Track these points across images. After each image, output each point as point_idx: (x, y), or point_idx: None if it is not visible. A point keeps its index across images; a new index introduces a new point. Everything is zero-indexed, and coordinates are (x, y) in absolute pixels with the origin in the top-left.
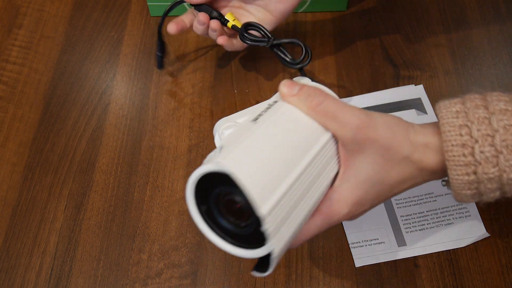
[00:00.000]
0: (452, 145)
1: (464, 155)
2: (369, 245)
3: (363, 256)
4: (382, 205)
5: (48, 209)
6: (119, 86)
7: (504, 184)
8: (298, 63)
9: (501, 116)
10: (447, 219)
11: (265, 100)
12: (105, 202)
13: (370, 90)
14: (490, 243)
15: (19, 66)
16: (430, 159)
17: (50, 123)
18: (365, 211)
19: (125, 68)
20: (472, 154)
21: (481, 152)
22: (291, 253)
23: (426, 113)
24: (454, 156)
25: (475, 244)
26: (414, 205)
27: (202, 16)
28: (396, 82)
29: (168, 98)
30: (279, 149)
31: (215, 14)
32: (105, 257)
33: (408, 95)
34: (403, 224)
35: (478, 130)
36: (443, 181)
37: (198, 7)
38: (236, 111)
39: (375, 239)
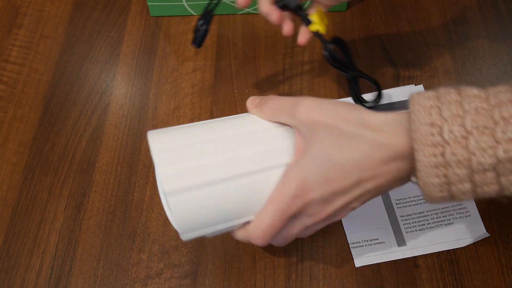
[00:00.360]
0: (421, 123)
1: (432, 134)
2: (369, 245)
3: (363, 256)
4: (382, 205)
5: (48, 209)
6: (119, 86)
7: (474, 170)
8: (370, 102)
9: (473, 99)
10: (447, 219)
11: None
12: (105, 202)
13: (370, 90)
14: (490, 243)
15: (19, 66)
16: (393, 137)
17: (50, 123)
18: (321, 196)
19: (125, 68)
20: (441, 134)
21: (450, 131)
22: (291, 253)
23: None
24: (422, 135)
25: (475, 244)
26: (414, 205)
27: (275, 16)
28: (396, 82)
29: (168, 98)
30: (205, 131)
31: (296, 8)
32: (105, 257)
33: (408, 95)
34: (403, 224)
35: (449, 110)
36: (413, 178)
37: None
38: (236, 111)
39: (375, 239)
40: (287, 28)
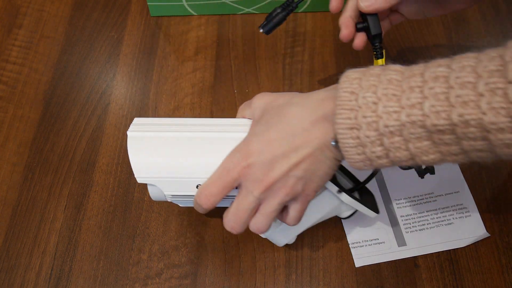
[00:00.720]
0: (343, 91)
1: (349, 100)
2: (369, 245)
3: (363, 256)
4: (382, 205)
5: (48, 209)
6: (119, 86)
7: (382, 133)
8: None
9: (390, 72)
10: (447, 219)
11: None
12: (105, 202)
13: None
14: (490, 243)
15: (19, 66)
16: (320, 102)
17: (50, 123)
18: (261, 160)
19: (125, 68)
20: (356, 100)
21: (363, 97)
22: (291, 253)
23: None
24: (342, 100)
25: (475, 244)
26: (414, 205)
27: (359, 41)
28: None
29: (168, 98)
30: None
31: (375, 37)
32: (105, 257)
33: None
34: (403, 224)
35: (367, 81)
36: (333, 142)
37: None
38: (236, 111)
39: (375, 239)
40: (359, 41)
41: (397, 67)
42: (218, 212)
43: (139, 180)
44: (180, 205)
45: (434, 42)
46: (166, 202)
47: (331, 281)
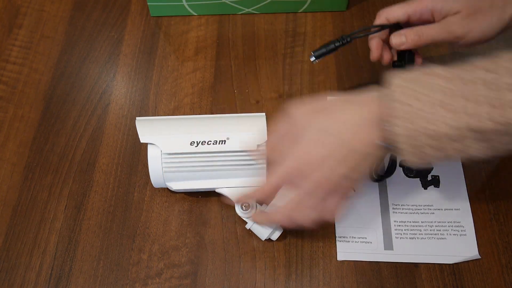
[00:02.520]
0: (397, 100)
1: (405, 109)
2: (355, 242)
3: (347, 251)
4: (378, 207)
5: (48, 209)
6: (119, 86)
7: (442, 142)
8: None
9: (440, 80)
10: (440, 234)
11: (265, 99)
12: (105, 202)
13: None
14: (490, 243)
15: (19, 66)
16: (371, 108)
17: (50, 123)
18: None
19: (125, 68)
20: (412, 109)
21: (419, 108)
22: (291, 253)
23: None
24: (396, 110)
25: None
26: (411, 213)
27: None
28: None
29: (168, 98)
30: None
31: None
32: (105, 257)
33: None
34: (395, 229)
35: (420, 90)
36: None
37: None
38: (236, 111)
39: (363, 238)
40: (387, 57)
41: (445, 72)
42: (218, 212)
43: (142, 140)
44: (173, 188)
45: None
46: (166, 202)
47: (331, 281)
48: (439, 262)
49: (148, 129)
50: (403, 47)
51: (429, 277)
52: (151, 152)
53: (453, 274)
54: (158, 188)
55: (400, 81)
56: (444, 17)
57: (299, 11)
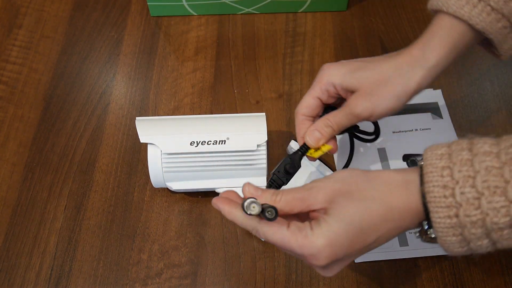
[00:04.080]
0: (434, 186)
1: (445, 196)
2: None
3: None
4: None
5: (48, 209)
6: (119, 86)
7: (489, 229)
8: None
9: (484, 157)
10: None
11: (265, 99)
12: (105, 202)
13: None
14: None
15: (19, 66)
16: (405, 198)
17: (50, 123)
18: (344, 255)
19: (125, 68)
20: (453, 196)
21: (462, 193)
22: None
23: (441, 117)
24: (435, 197)
25: None
26: None
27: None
28: None
29: (168, 98)
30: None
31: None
32: (105, 257)
33: (425, 98)
34: None
35: (459, 171)
36: (416, 232)
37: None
38: (236, 111)
39: None
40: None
41: (487, 147)
42: (218, 212)
43: (142, 140)
44: (173, 188)
45: None
46: (166, 202)
47: (331, 281)
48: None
49: (148, 129)
50: (321, 142)
51: (429, 277)
52: (151, 152)
53: (453, 274)
54: (158, 188)
55: (434, 160)
56: (348, 92)
57: (299, 11)
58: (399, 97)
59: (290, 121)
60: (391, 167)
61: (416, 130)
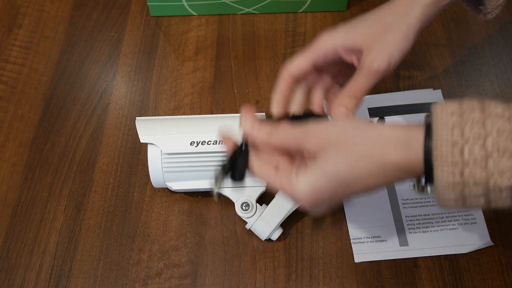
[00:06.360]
0: (442, 142)
1: (453, 153)
2: (370, 242)
3: (363, 252)
4: (388, 204)
5: (48, 209)
6: (119, 86)
7: (490, 190)
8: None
9: (496, 119)
10: (452, 224)
11: (265, 99)
12: (105, 202)
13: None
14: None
15: (19, 66)
16: (401, 155)
17: (50, 123)
18: (327, 205)
19: (125, 68)
20: (461, 154)
21: (471, 152)
22: (291, 253)
23: None
24: (442, 154)
25: None
26: (421, 206)
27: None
28: (396, 82)
29: (168, 98)
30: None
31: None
32: (105, 257)
33: (425, 98)
34: (407, 225)
35: (471, 130)
36: (412, 184)
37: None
38: (236, 111)
39: (377, 237)
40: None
41: (499, 110)
42: (218, 212)
43: (142, 140)
44: (173, 188)
45: (434, 42)
46: (166, 202)
47: (331, 281)
48: (455, 253)
49: (148, 129)
50: (350, 115)
51: (429, 277)
52: (151, 152)
53: (453, 274)
54: (158, 188)
55: (445, 115)
56: (353, 53)
57: (299, 11)
58: (407, 36)
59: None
60: None
61: None
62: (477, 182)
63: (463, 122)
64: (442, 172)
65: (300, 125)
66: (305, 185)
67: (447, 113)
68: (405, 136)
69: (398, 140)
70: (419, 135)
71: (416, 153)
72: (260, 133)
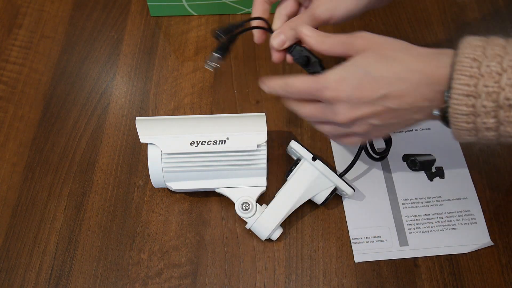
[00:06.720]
0: (464, 56)
1: (471, 66)
2: (370, 242)
3: (364, 252)
4: (388, 204)
5: (48, 209)
6: (119, 86)
7: (500, 105)
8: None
9: None
10: (452, 224)
11: (265, 99)
12: (105, 202)
13: None
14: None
15: (19, 66)
16: (430, 65)
17: (50, 123)
18: (348, 98)
19: (125, 68)
20: (479, 67)
21: (487, 66)
22: (291, 253)
23: None
24: (462, 66)
25: None
26: (421, 206)
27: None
28: None
29: (168, 98)
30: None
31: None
32: (105, 257)
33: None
34: (407, 225)
35: (492, 50)
36: (436, 112)
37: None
38: (236, 111)
39: (377, 237)
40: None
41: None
42: (218, 212)
43: (142, 140)
44: (173, 188)
45: (434, 42)
46: (166, 202)
47: (331, 281)
48: (455, 253)
49: (148, 129)
50: (286, 46)
51: (429, 277)
52: (151, 152)
53: (453, 274)
54: (158, 188)
55: (473, 40)
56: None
57: None
58: (359, 1)
59: (290, 121)
60: (391, 167)
61: (416, 130)
62: (489, 93)
63: (487, 44)
64: (459, 81)
65: (349, 34)
66: (334, 73)
67: (475, 38)
68: (438, 52)
69: (430, 54)
70: (450, 52)
71: (443, 65)
72: (313, 38)
